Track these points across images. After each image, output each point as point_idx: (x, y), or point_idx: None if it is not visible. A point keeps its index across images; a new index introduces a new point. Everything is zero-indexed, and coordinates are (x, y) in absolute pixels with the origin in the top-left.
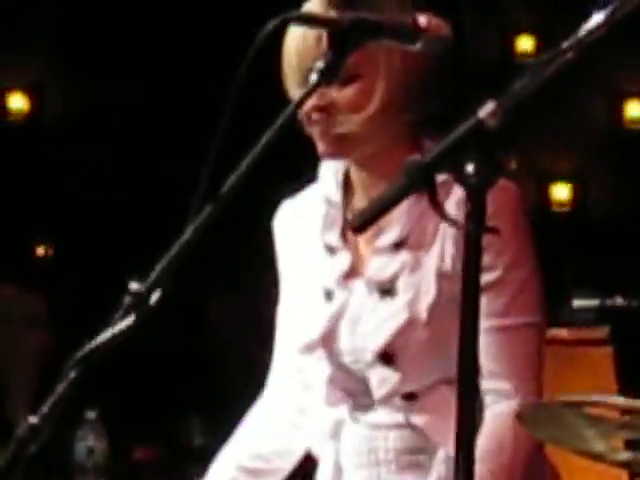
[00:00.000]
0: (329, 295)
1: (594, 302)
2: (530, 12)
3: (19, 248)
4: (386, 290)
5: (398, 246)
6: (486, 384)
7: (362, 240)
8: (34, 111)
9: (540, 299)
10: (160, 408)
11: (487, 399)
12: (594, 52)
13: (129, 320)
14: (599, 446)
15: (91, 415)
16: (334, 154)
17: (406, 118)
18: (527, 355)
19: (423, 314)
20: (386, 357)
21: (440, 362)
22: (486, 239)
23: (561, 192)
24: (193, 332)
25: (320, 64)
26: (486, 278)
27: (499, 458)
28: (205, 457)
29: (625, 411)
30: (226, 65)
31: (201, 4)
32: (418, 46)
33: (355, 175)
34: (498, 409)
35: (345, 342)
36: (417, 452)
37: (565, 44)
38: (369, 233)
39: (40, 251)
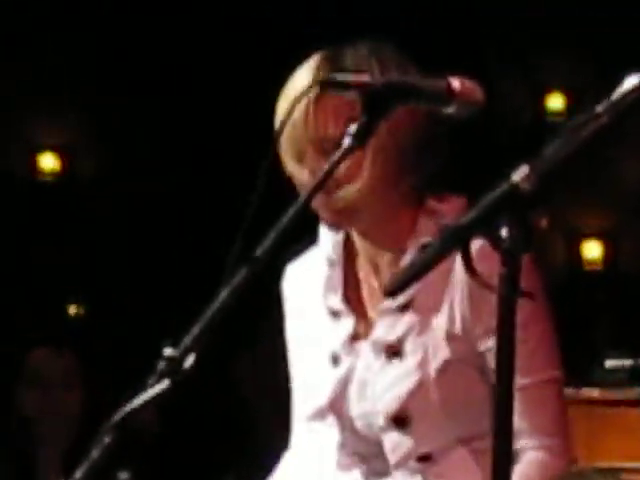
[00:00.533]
0: (336, 360)
1: (627, 362)
2: (561, 70)
3: (52, 307)
4: (394, 352)
5: (404, 308)
6: (514, 444)
7: (366, 302)
8: (65, 171)
9: (558, 354)
10: (193, 469)
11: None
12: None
13: (163, 385)
14: None
15: (124, 477)
16: (336, 224)
17: (406, 184)
18: (551, 411)
19: (433, 375)
20: (399, 420)
21: (454, 422)
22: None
23: (592, 250)
24: (219, 391)
25: (353, 128)
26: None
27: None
28: None
29: None
30: (262, 123)
31: (233, 64)
32: (451, 110)
33: (357, 241)
34: (529, 467)
35: (355, 407)
36: None
37: (599, 108)
38: (373, 295)
39: (72, 310)
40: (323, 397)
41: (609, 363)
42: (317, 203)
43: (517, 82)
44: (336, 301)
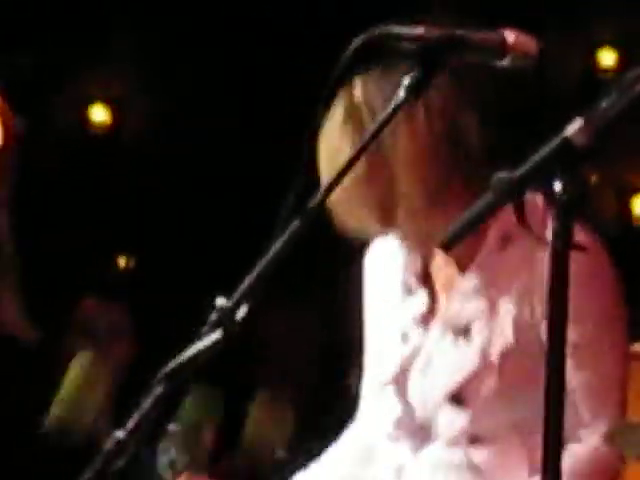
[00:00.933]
0: (405, 337)
1: None
2: (612, 25)
3: (101, 260)
4: (461, 333)
5: (477, 291)
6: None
7: (440, 282)
8: (115, 124)
9: (625, 348)
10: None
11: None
12: None
13: (216, 335)
14: None
15: (174, 428)
16: (417, 250)
17: (460, 178)
18: (613, 394)
19: (496, 360)
20: (456, 399)
21: (508, 407)
22: (575, 296)
23: None
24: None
25: (407, 81)
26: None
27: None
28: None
29: None
30: (309, 79)
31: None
32: (505, 62)
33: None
34: (575, 450)
35: (416, 383)
36: None
37: None
38: (449, 275)
39: (122, 262)
40: (388, 371)
41: None
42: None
43: (567, 37)
44: (413, 278)
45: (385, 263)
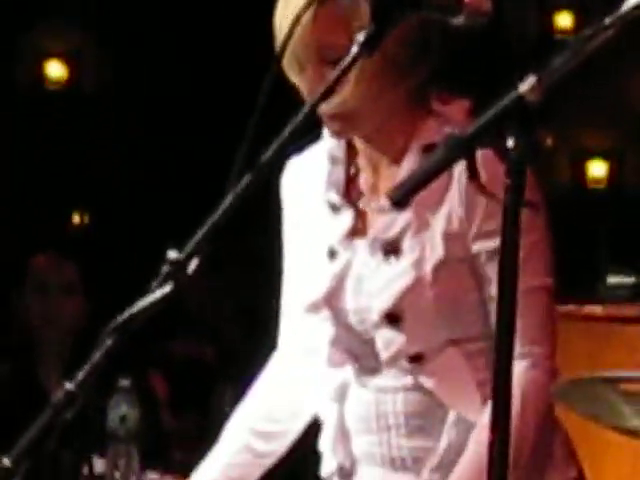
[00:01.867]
0: (333, 254)
1: (629, 279)
2: None
3: (56, 216)
4: (391, 250)
5: (415, 209)
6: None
7: (366, 199)
8: (71, 78)
9: (550, 263)
10: (191, 378)
11: None
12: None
13: (166, 288)
14: (636, 422)
15: (124, 383)
16: (338, 132)
17: (403, 86)
18: (538, 318)
19: (429, 274)
20: (392, 318)
21: (447, 323)
22: (494, 207)
23: (597, 169)
24: None
25: (361, 36)
26: (494, 244)
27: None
28: None
29: None
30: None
31: None
32: (460, 20)
33: (358, 143)
34: (524, 370)
35: (350, 302)
36: (427, 415)
37: (607, 20)
38: (373, 193)
39: (76, 219)
40: (319, 290)
41: (611, 280)
42: (321, 111)
43: (527, 2)
44: (336, 196)
45: (303, 182)
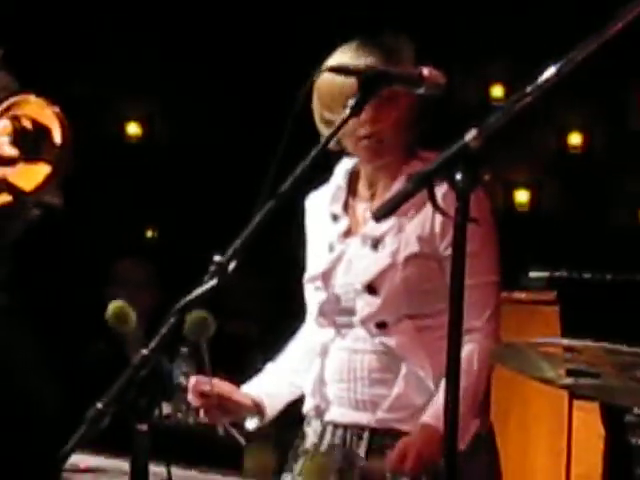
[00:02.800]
0: (331, 248)
1: (545, 274)
2: (503, 65)
3: (133, 231)
4: (376, 243)
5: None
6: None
7: (358, 211)
8: (144, 134)
9: (497, 264)
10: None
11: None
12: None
13: (213, 282)
14: (550, 374)
15: (184, 350)
16: (371, 161)
17: (406, 139)
18: (489, 305)
19: (401, 262)
20: (371, 289)
21: (408, 301)
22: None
23: (522, 197)
24: None
25: (351, 102)
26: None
27: (468, 378)
28: None
29: (567, 349)
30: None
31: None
32: (421, 90)
33: (364, 170)
34: (470, 344)
35: (340, 278)
36: (385, 370)
37: (527, 89)
38: (364, 205)
39: (149, 233)
40: (318, 269)
41: (532, 274)
42: (362, 148)
43: (468, 75)
44: (337, 208)
45: (317, 205)
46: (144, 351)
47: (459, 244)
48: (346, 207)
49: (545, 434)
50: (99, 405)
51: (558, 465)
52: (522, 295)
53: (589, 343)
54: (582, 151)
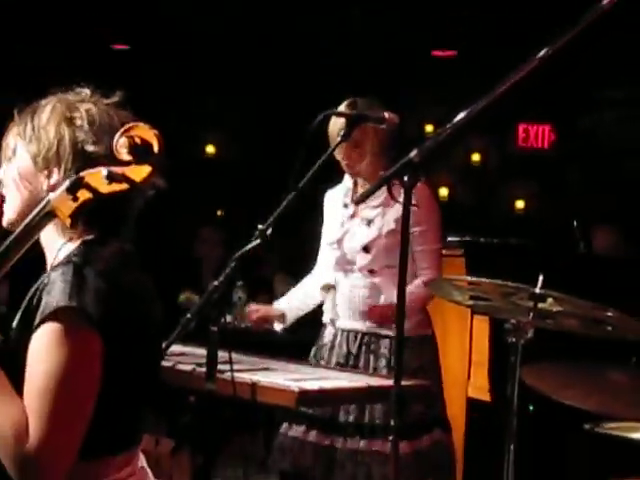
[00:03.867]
0: (342, 224)
1: (457, 238)
2: (433, 112)
3: (210, 211)
4: (369, 223)
5: (377, 207)
6: (418, 270)
7: (359, 208)
8: (217, 153)
9: (440, 236)
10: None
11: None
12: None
13: (256, 242)
14: (459, 298)
15: (240, 283)
16: (355, 175)
17: (382, 161)
18: (433, 259)
19: (384, 234)
20: (366, 249)
21: (387, 257)
22: (421, 211)
23: (443, 192)
24: None
25: (342, 132)
26: (418, 229)
27: (415, 290)
28: None
29: (470, 283)
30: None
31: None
32: (384, 126)
33: (360, 182)
34: (420, 277)
35: (347, 243)
36: (372, 297)
37: (447, 127)
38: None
39: (219, 212)
40: (334, 238)
41: (449, 238)
42: (346, 168)
43: (408, 116)
44: (348, 200)
45: (333, 198)
46: (215, 283)
47: (406, 219)
48: (352, 200)
49: (457, 335)
50: (188, 315)
51: (465, 354)
52: (444, 251)
53: (483, 279)
54: (481, 164)
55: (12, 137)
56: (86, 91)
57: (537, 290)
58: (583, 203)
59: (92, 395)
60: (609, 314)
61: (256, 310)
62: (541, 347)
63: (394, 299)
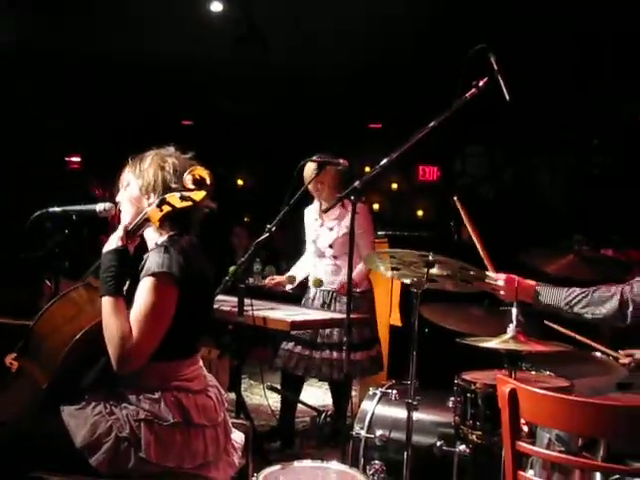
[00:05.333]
0: (315, 230)
1: (383, 232)
2: (369, 157)
3: (239, 216)
4: (331, 229)
5: (335, 219)
6: (362, 255)
7: (324, 217)
8: (246, 185)
9: (374, 235)
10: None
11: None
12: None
13: (266, 235)
14: (382, 268)
15: (257, 260)
16: (320, 199)
17: (337, 190)
18: (371, 248)
19: (341, 235)
20: (331, 245)
21: (343, 249)
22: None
23: (375, 206)
24: None
25: (314, 172)
26: (360, 231)
27: (361, 268)
28: None
29: (390, 256)
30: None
31: None
32: (340, 168)
33: (322, 203)
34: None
35: (319, 242)
36: (336, 273)
37: (376, 167)
38: (326, 216)
39: (246, 219)
40: (311, 238)
41: (379, 233)
42: (316, 195)
43: (355, 164)
44: (317, 215)
45: (309, 213)
46: (242, 259)
47: (352, 224)
48: (320, 215)
49: (384, 289)
50: (226, 278)
51: (388, 300)
52: (376, 241)
53: (398, 250)
54: (397, 190)
55: (126, 174)
56: (172, 149)
57: (430, 258)
58: (456, 213)
59: (167, 320)
60: (472, 272)
61: (273, 278)
62: (432, 295)
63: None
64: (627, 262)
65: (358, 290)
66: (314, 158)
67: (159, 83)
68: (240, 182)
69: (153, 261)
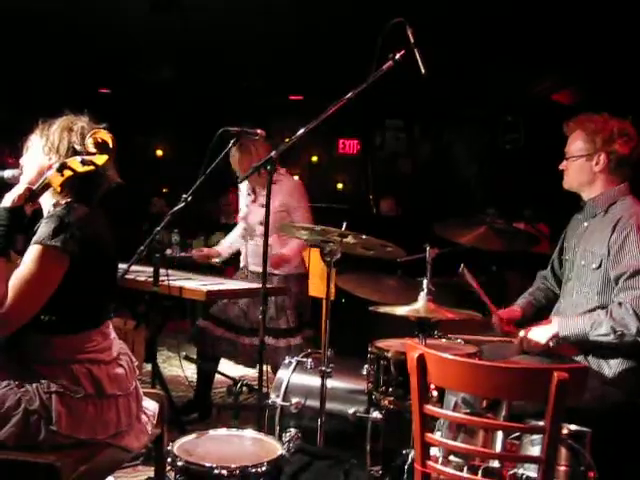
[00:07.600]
0: (247, 206)
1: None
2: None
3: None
4: (263, 205)
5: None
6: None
7: (257, 192)
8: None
9: (310, 213)
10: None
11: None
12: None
13: (182, 205)
14: (305, 236)
15: (175, 230)
16: (243, 172)
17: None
18: (308, 220)
19: (274, 212)
20: (261, 223)
21: (274, 227)
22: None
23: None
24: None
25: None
26: (296, 205)
27: (293, 245)
28: None
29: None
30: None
31: None
32: (257, 137)
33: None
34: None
35: (250, 218)
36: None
37: (292, 139)
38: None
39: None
40: (243, 214)
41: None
42: (236, 167)
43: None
44: (250, 191)
45: (243, 188)
46: (158, 228)
47: (268, 195)
48: (253, 190)
49: (317, 264)
50: (141, 247)
51: (324, 278)
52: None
53: (317, 226)
54: (317, 162)
55: (33, 136)
56: (85, 118)
57: (342, 230)
58: (375, 185)
59: (45, 291)
60: (389, 249)
61: (201, 250)
62: (347, 265)
63: (279, 251)
64: (536, 235)
65: (292, 267)
66: (230, 128)
67: (75, 50)
68: (159, 152)
69: (45, 231)
